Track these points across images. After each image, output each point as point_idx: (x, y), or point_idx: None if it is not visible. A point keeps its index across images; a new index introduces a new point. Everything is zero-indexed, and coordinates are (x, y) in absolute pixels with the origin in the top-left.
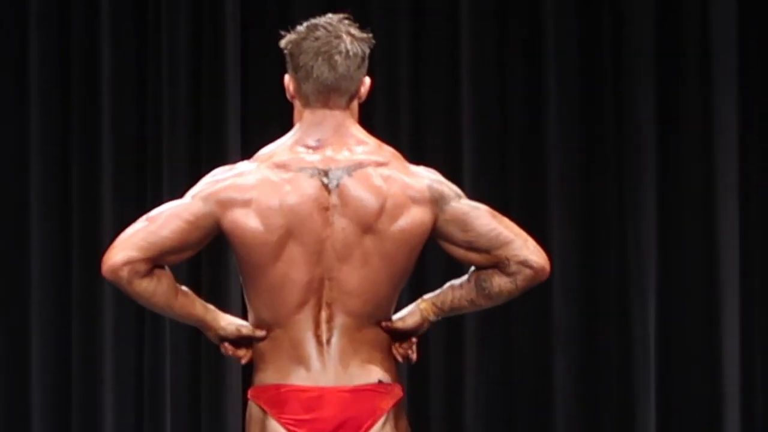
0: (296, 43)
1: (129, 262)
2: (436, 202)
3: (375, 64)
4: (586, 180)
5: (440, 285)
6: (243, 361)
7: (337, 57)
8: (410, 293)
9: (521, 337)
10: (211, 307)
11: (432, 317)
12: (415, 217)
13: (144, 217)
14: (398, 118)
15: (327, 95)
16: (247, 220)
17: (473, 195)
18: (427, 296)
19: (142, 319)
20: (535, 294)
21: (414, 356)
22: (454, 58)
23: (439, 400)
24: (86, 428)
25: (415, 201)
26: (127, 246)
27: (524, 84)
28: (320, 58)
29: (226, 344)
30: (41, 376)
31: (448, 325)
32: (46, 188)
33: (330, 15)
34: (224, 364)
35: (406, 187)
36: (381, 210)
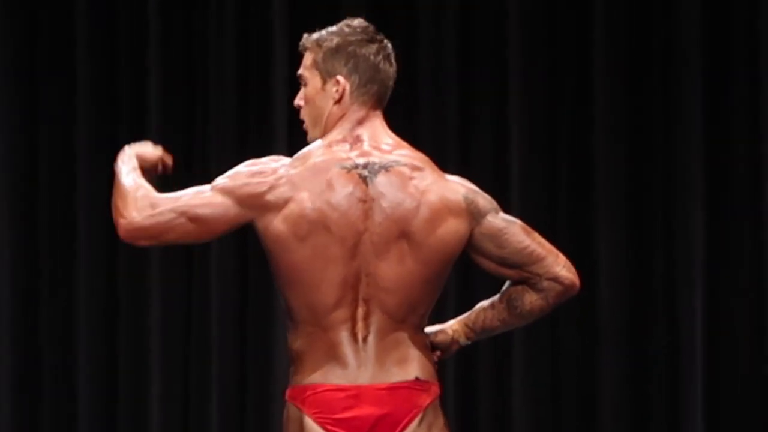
0: (359, 44)
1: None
2: (473, 214)
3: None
4: (633, 174)
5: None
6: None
7: (392, 59)
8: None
9: (568, 335)
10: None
11: (463, 339)
12: (452, 227)
13: (181, 202)
14: (445, 117)
15: (384, 95)
16: (278, 225)
17: (521, 191)
18: (458, 318)
19: (188, 312)
20: (582, 289)
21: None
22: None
23: (487, 400)
24: (132, 421)
25: (452, 212)
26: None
27: (573, 79)
28: (385, 61)
29: None
30: (87, 370)
31: None
32: (93, 182)
33: (355, 20)
34: (272, 359)
35: (442, 197)
36: (417, 214)
